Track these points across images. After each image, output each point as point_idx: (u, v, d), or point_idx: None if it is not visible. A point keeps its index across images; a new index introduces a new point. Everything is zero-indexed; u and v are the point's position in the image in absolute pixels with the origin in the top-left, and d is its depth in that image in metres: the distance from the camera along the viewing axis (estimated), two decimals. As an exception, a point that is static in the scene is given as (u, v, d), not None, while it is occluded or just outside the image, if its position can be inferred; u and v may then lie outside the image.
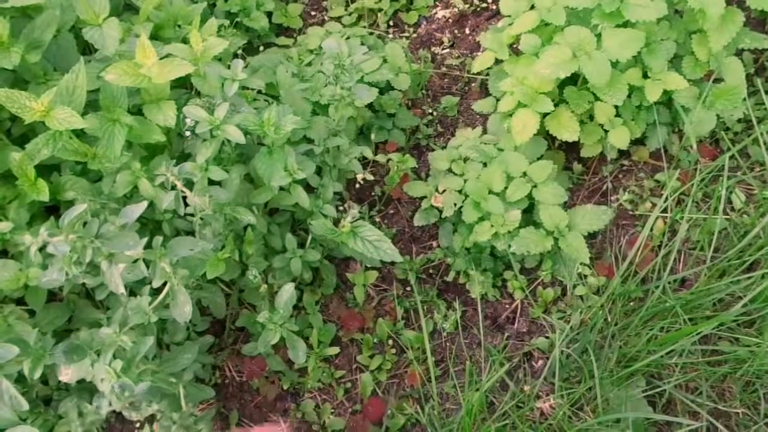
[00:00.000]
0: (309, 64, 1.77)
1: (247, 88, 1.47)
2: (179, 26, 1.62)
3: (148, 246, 0.99)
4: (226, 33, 1.67)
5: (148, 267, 1.01)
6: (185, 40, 1.43)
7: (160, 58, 1.28)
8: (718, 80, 1.50)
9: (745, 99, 1.47)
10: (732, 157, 1.49)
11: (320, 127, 1.43)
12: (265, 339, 1.12)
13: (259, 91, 1.66)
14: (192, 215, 1.21)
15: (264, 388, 1.37)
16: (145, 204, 0.97)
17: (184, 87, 1.53)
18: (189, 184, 1.24)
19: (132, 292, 1.22)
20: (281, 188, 1.33)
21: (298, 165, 1.30)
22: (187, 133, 1.27)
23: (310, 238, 1.38)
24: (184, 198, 1.18)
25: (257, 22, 1.91)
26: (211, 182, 1.27)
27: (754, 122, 1.41)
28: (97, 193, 1.28)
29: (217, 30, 1.63)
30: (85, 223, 0.92)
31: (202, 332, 1.41)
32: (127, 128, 1.23)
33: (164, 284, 1.08)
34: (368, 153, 1.44)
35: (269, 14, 2.00)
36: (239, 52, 1.84)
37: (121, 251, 0.90)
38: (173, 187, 1.14)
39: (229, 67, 1.34)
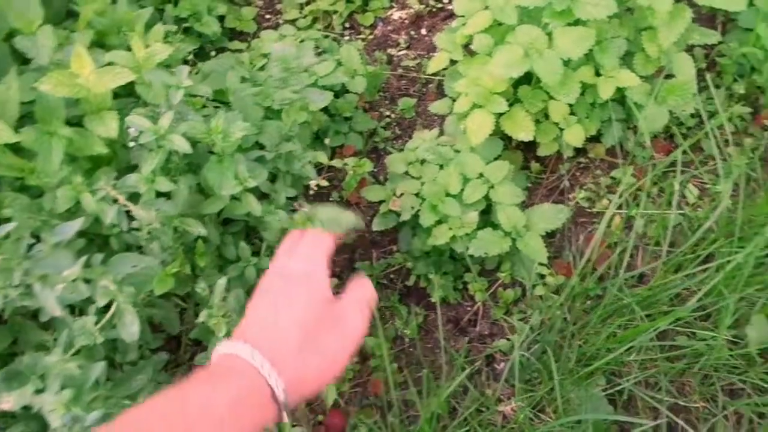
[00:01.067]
0: (262, 68, 1.73)
1: (196, 96, 1.43)
2: (124, 33, 1.58)
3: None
4: (173, 39, 1.63)
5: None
6: (130, 48, 1.39)
7: (102, 66, 1.24)
8: (669, 76, 1.52)
9: (695, 94, 1.48)
10: (685, 152, 1.50)
11: (272, 132, 1.40)
12: (214, 341, 1.08)
13: (212, 99, 1.62)
14: (139, 230, 1.17)
15: (222, 404, 1.33)
16: (81, 221, 0.92)
17: (132, 95, 1.48)
18: (135, 196, 1.20)
19: (81, 311, 1.18)
20: (233, 197, 1.30)
21: (250, 172, 1.27)
22: (132, 144, 1.23)
23: (264, 245, 1.35)
24: (129, 212, 1.13)
25: (208, 27, 1.87)
26: (160, 194, 1.23)
27: (703, 117, 1.42)
28: (38, 209, 1.22)
29: (165, 36, 1.59)
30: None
31: (156, 349, 1.37)
32: (66, 141, 1.18)
33: (111, 303, 1.03)
34: (323, 158, 1.42)
35: (221, 18, 1.96)
36: (190, 58, 1.80)
37: (54, 272, 0.86)
38: (116, 201, 1.09)
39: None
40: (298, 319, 0.54)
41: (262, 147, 1.45)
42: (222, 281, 1.13)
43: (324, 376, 0.54)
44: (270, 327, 0.54)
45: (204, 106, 1.51)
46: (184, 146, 1.19)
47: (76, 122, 1.27)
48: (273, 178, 1.41)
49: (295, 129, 1.42)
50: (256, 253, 1.35)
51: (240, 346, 0.52)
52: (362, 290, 0.61)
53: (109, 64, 1.30)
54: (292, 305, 0.55)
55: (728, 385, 1.24)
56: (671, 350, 1.23)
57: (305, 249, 0.62)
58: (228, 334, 1.12)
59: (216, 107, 1.53)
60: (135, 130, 1.20)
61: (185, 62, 1.73)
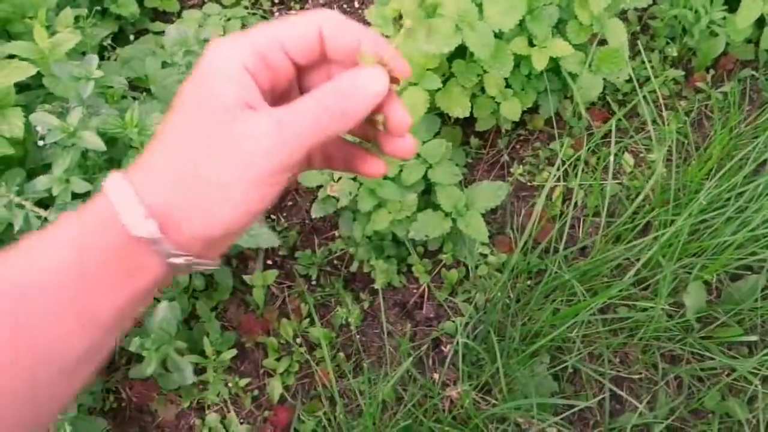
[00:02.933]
0: (187, 52, 1.63)
1: (111, 87, 1.33)
2: (30, 18, 1.46)
3: None
4: (86, 24, 1.51)
5: None
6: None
7: (2, 59, 1.14)
8: (602, 42, 1.50)
9: (626, 62, 1.46)
10: (620, 120, 1.49)
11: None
12: (145, 366, 1.02)
13: (134, 88, 1.53)
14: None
15: (162, 409, 1.28)
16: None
17: (43, 88, 1.38)
18: (51, 199, 1.12)
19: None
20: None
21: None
22: (41, 143, 1.14)
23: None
24: (42, 218, 1.06)
25: (126, 8, 1.75)
26: (77, 195, 1.15)
27: (635, 84, 1.41)
28: (-58, 218, 1.13)
29: (75, 20, 1.47)
30: None
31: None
32: (-35, 142, 1.08)
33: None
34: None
35: (140, -1, 1.84)
36: (107, 43, 1.68)
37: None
38: (22, 207, 1.01)
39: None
40: (170, 133, 0.37)
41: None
42: (163, 306, 1.07)
43: (220, 210, 0.36)
44: (148, 148, 0.38)
45: (123, 97, 1.42)
46: (97, 144, 1.11)
47: (-24, 121, 1.17)
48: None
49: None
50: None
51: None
52: (339, 86, 0.37)
53: (11, 56, 1.20)
54: (170, 115, 0.37)
55: (669, 352, 1.26)
56: (613, 323, 1.24)
57: (237, 38, 0.37)
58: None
59: (136, 97, 1.44)
60: (43, 128, 1.11)
61: (102, 48, 1.62)
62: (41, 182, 1.09)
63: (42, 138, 1.11)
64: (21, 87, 1.31)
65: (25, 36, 1.43)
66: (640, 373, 1.21)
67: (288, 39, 0.38)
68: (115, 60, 1.64)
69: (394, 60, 0.38)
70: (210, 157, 0.35)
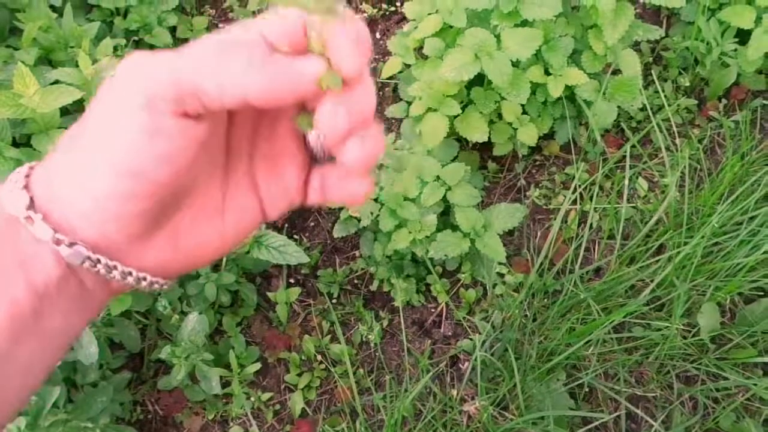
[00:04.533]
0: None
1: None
2: (72, 48, 1.55)
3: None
4: (124, 52, 1.60)
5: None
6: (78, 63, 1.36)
7: (49, 84, 1.22)
8: (616, 72, 1.55)
9: (641, 90, 1.52)
10: (634, 146, 1.54)
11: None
12: (175, 374, 1.07)
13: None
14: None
15: (188, 421, 1.32)
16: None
17: (83, 111, 1.46)
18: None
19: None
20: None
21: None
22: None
23: (224, 260, 1.34)
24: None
25: (159, 38, 1.84)
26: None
27: (649, 112, 1.46)
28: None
29: (114, 50, 1.57)
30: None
31: (118, 368, 1.35)
32: (14, 162, 1.15)
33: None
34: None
35: (173, 29, 1.93)
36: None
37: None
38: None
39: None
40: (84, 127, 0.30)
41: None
42: (192, 317, 1.12)
43: (83, 170, 0.29)
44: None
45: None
46: (135, 163, 1.17)
47: (23, 142, 1.25)
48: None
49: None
50: (215, 268, 1.34)
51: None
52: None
53: (56, 81, 1.28)
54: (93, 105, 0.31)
55: (683, 373, 1.28)
56: (628, 341, 1.27)
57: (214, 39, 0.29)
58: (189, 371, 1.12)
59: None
60: (84, 148, 1.18)
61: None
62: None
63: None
64: (61, 111, 1.39)
65: (67, 64, 1.52)
66: (655, 392, 1.24)
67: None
68: (149, 86, 1.73)
69: (341, 53, 0.29)
70: (89, 119, 0.30)
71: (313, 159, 0.36)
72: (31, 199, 0.30)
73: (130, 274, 0.32)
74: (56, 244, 0.30)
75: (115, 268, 0.32)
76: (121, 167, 0.29)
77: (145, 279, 0.33)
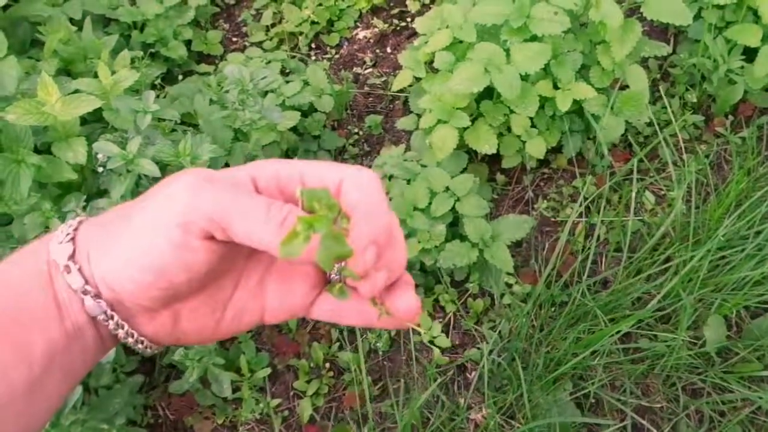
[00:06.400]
0: (228, 90, 1.75)
1: (164, 120, 1.45)
2: (91, 60, 1.59)
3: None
4: (140, 64, 1.64)
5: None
6: (97, 74, 1.40)
7: (69, 94, 1.25)
8: (624, 87, 1.58)
9: (648, 105, 1.54)
10: (642, 160, 1.55)
11: (238, 153, 1.42)
12: (187, 376, 1.09)
13: (182, 123, 1.64)
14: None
15: (198, 425, 1.34)
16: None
17: (100, 120, 1.50)
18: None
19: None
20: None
21: (219, 194, 1.29)
22: (101, 169, 1.24)
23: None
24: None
25: (175, 51, 1.89)
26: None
27: (656, 127, 1.48)
28: (7, 237, 1.23)
29: (131, 62, 1.61)
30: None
31: (131, 372, 1.37)
32: (35, 168, 1.19)
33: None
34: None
35: (188, 42, 1.98)
36: (158, 82, 1.82)
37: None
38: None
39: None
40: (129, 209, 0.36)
41: (232, 168, 1.46)
42: None
43: (119, 244, 0.35)
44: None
45: (173, 130, 1.53)
46: (153, 170, 1.20)
47: (44, 149, 1.28)
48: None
49: (258, 148, 1.44)
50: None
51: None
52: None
53: (76, 91, 1.31)
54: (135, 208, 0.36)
55: (689, 385, 1.29)
56: (634, 353, 1.28)
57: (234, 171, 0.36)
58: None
59: (185, 131, 1.55)
60: (103, 155, 1.21)
61: (153, 87, 1.75)
62: (101, 203, 1.19)
63: (103, 165, 1.22)
64: (81, 121, 1.42)
65: (86, 75, 1.57)
66: (661, 404, 1.24)
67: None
68: (164, 97, 1.77)
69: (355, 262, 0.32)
70: (136, 210, 0.36)
71: (327, 281, 0.38)
72: (74, 251, 0.36)
73: (132, 335, 0.38)
74: (83, 293, 0.35)
75: (122, 327, 0.37)
76: (147, 265, 0.34)
77: (142, 342, 0.38)
